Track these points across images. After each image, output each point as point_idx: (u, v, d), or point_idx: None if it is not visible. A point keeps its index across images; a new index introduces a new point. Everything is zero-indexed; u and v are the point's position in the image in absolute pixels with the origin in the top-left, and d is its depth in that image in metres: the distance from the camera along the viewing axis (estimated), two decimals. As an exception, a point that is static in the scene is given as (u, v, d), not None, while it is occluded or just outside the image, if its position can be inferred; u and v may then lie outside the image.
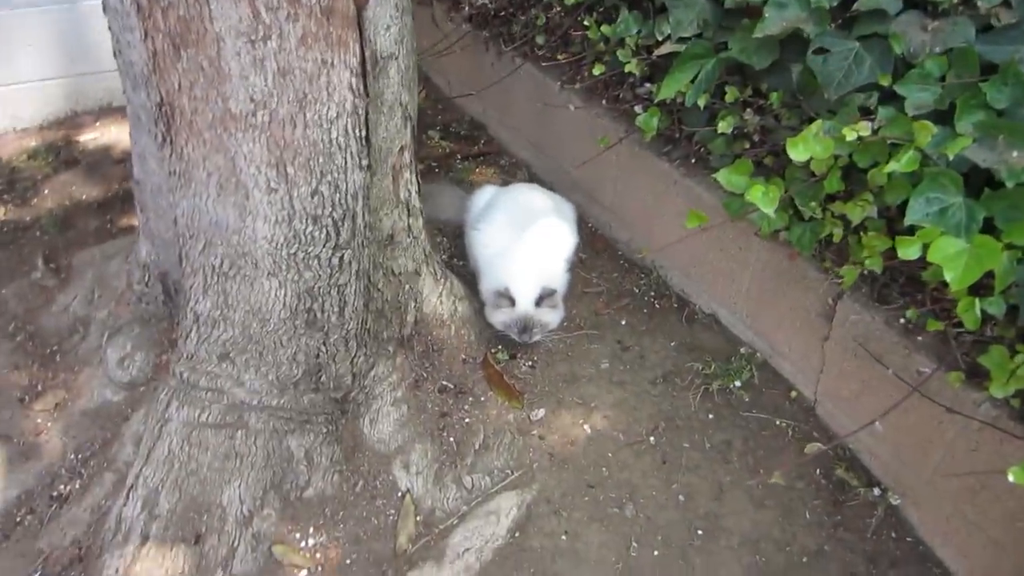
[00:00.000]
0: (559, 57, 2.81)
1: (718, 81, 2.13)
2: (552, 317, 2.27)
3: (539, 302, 2.23)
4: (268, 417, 1.93)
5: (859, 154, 1.73)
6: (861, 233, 1.82)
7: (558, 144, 3.00)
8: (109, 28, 1.86)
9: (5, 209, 2.88)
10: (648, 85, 2.41)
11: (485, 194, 2.62)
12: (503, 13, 3.14)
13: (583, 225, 2.73)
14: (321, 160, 1.74)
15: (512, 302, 2.22)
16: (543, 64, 2.96)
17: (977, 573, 1.90)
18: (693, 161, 2.38)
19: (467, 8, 3.34)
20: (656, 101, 2.30)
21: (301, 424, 1.96)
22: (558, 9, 2.78)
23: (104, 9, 1.83)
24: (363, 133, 1.78)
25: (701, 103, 2.12)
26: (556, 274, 2.33)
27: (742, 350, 2.35)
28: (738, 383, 2.28)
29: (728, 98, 2.10)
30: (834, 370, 2.12)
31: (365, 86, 1.74)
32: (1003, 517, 1.80)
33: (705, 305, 2.50)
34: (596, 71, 2.46)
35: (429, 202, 2.25)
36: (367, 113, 1.78)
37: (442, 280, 2.34)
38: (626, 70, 2.39)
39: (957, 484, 1.87)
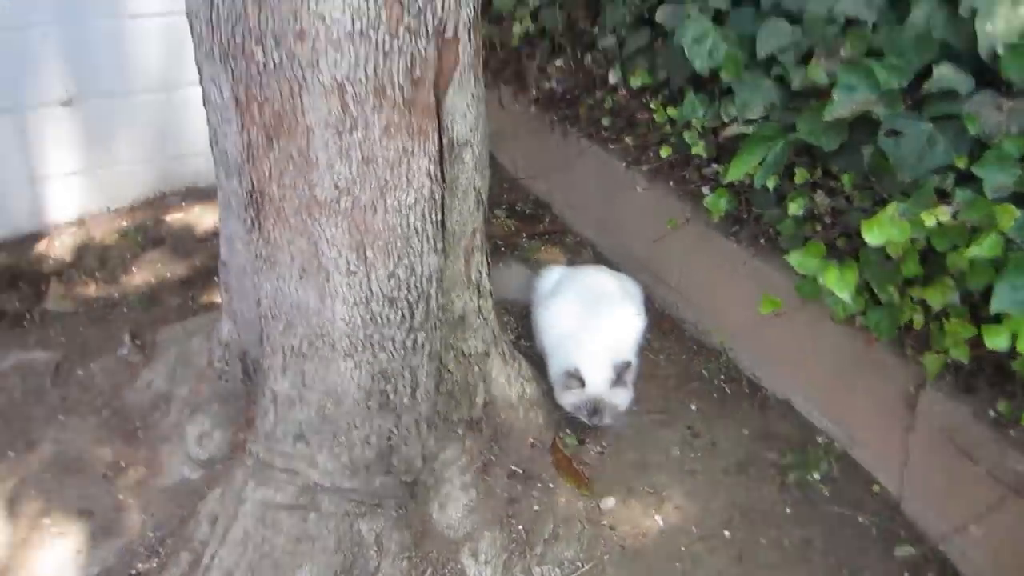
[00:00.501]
0: (625, 139, 2.86)
1: (787, 162, 2.14)
2: (622, 399, 2.23)
3: (615, 379, 2.19)
4: (340, 499, 1.92)
5: (937, 238, 1.70)
6: (943, 320, 1.77)
7: (623, 225, 3.00)
8: (207, 120, 1.96)
9: (96, 286, 2.99)
10: (715, 166, 2.44)
11: (553, 274, 2.62)
12: (569, 96, 3.22)
13: (650, 306, 2.71)
14: (399, 244, 1.77)
15: (582, 383, 2.19)
16: (609, 146, 3.00)
17: None
18: (762, 242, 2.36)
19: (534, 91, 3.43)
20: (724, 182, 2.31)
21: (372, 508, 1.94)
22: (624, 92, 2.85)
23: (204, 102, 1.94)
24: (439, 218, 1.81)
25: (770, 184, 2.13)
26: (626, 355, 2.29)
27: (819, 439, 2.28)
28: (816, 475, 2.19)
29: (797, 179, 2.11)
30: (920, 464, 2.02)
31: (442, 172, 1.78)
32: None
33: (778, 390, 2.43)
34: (663, 153, 2.49)
35: (495, 282, 2.24)
36: (443, 198, 1.81)
37: (511, 361, 2.31)
38: (693, 152, 2.42)
39: (1059, 587, 1.76)
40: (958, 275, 1.72)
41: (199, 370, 2.33)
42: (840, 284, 1.69)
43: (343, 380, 1.87)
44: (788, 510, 2.11)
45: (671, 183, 2.67)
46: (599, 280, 2.56)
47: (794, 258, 1.96)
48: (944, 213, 1.53)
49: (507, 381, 2.27)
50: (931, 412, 1.91)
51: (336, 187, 1.68)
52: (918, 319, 1.82)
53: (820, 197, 2.07)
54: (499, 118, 3.61)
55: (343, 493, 1.93)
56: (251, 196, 1.78)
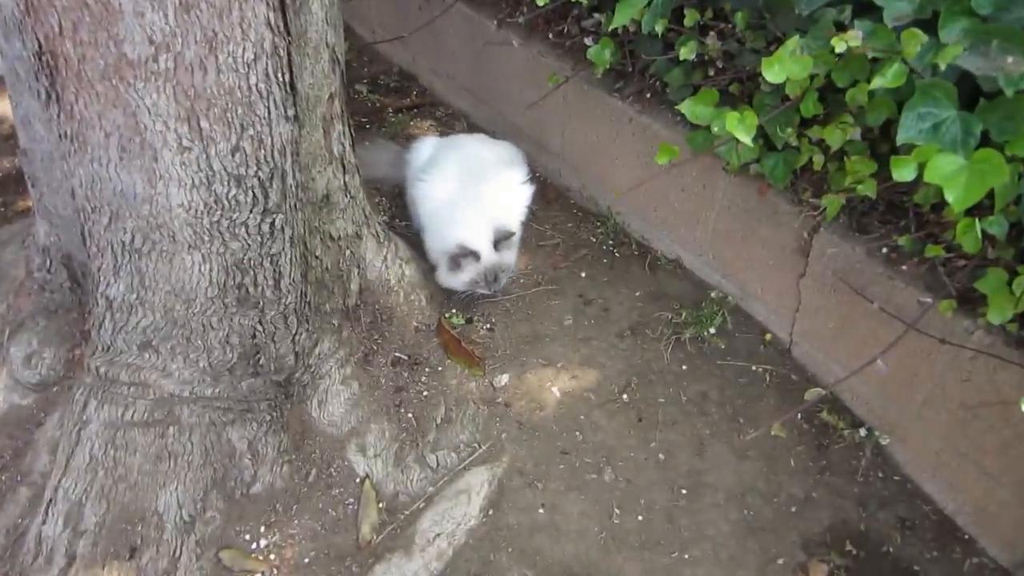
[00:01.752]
0: None
1: (675, 5, 2.01)
2: (512, 258, 2.23)
3: (497, 245, 2.15)
4: (203, 409, 1.80)
5: (838, 72, 1.60)
6: (844, 159, 1.70)
7: (499, 90, 2.87)
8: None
9: None
10: (596, 16, 2.29)
11: (426, 146, 2.47)
12: None
13: (532, 176, 2.61)
14: (240, 111, 1.58)
15: (476, 256, 2.13)
16: (477, 1, 2.82)
17: (968, 506, 1.85)
18: (648, 97, 2.30)
19: None
20: (607, 31, 2.17)
21: (241, 414, 1.84)
22: None
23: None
24: (287, 78, 1.63)
25: (659, 29, 2.00)
26: (513, 225, 2.26)
27: (712, 295, 2.30)
28: (711, 330, 2.22)
29: (687, 22, 1.98)
30: (811, 309, 2.05)
31: (286, 23, 1.59)
32: (996, 447, 1.74)
33: (668, 250, 2.45)
34: (540, 1, 2.29)
35: (362, 161, 2.15)
36: (290, 55, 1.62)
37: (386, 243, 2.23)
38: (572, 0, 2.25)
39: (947, 417, 1.81)
40: (857, 112, 1.63)
41: (17, 283, 2.07)
42: (742, 128, 1.59)
43: (191, 276, 1.73)
44: (684, 367, 2.15)
45: (550, 37, 2.56)
46: (478, 149, 2.45)
47: (687, 107, 1.88)
48: (854, 38, 1.41)
49: (383, 264, 2.21)
50: (824, 256, 1.92)
51: (151, 42, 1.45)
52: (818, 160, 1.75)
53: (711, 40, 1.96)
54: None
55: (205, 402, 1.81)
56: (40, 60, 1.50)
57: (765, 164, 1.92)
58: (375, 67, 3.59)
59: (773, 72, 1.57)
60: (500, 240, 2.17)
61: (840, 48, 1.45)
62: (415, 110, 3.18)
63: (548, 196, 2.73)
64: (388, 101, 3.29)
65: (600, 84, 2.40)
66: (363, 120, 3.13)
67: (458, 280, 2.19)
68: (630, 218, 2.54)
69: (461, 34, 2.96)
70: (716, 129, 1.83)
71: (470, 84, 3.05)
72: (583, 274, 2.43)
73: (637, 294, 2.35)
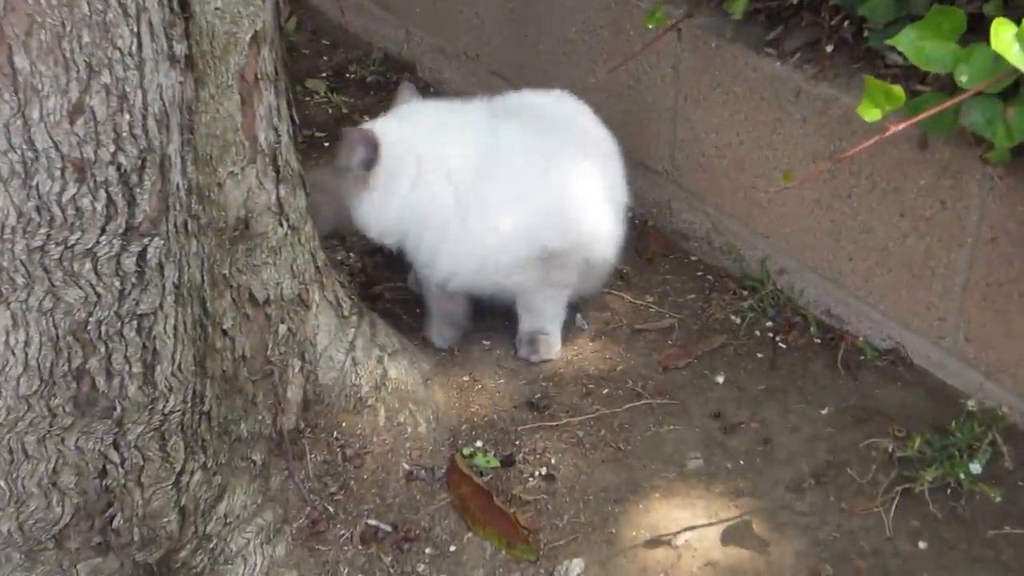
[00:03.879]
0: None
1: None
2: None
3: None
4: None
5: None
6: None
7: (554, 68, 2.98)
8: None
9: None
10: None
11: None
12: None
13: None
14: (87, 40, 1.55)
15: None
16: None
17: None
18: (830, 50, 2.32)
19: None
20: None
21: None
22: None
23: None
24: None
25: None
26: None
27: (969, 406, 2.28)
28: (972, 471, 2.18)
29: None
30: None
31: None
32: None
33: (878, 332, 2.47)
34: None
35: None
36: None
37: (353, 318, 2.29)
38: None
39: None
40: None
41: None
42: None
43: None
44: (922, 544, 2.12)
45: None
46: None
47: (906, 40, 1.84)
48: None
49: (347, 357, 2.27)
50: None
51: None
52: None
53: None
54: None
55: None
56: None
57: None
58: (342, 53, 3.78)
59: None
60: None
61: None
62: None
63: (650, 248, 2.81)
64: (360, 103, 3.46)
65: (739, 35, 2.47)
66: (318, 134, 3.30)
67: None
68: (803, 279, 2.58)
69: None
70: (964, 78, 1.78)
71: (504, 64, 3.16)
72: (719, 379, 2.48)
73: (823, 412, 2.38)
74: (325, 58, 3.72)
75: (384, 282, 2.65)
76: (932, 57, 1.84)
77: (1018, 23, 1.85)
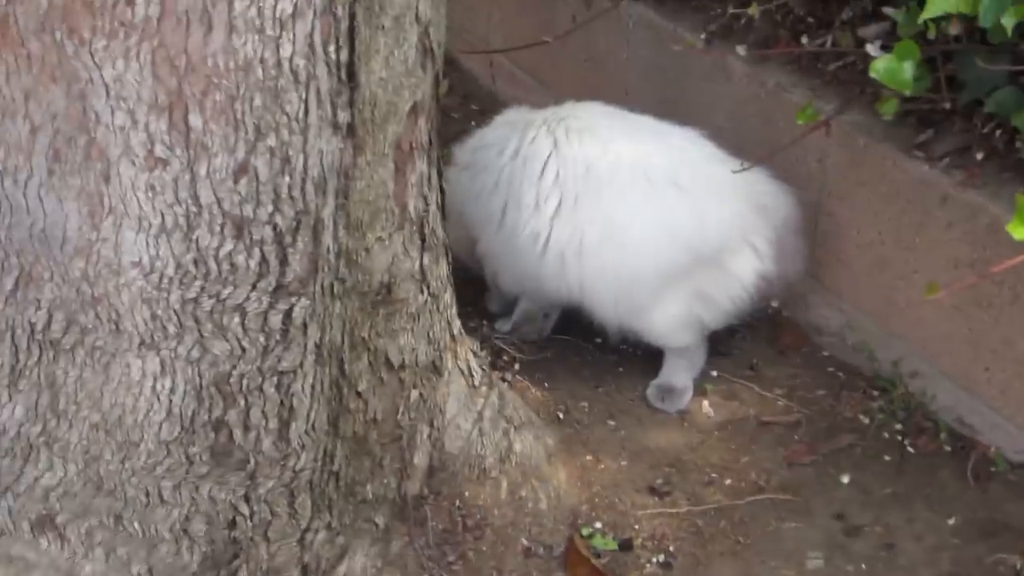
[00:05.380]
0: None
1: None
2: None
3: None
4: None
5: None
6: None
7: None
8: None
9: None
10: (889, 12, 2.32)
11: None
12: None
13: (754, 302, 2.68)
14: (258, 103, 1.60)
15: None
16: (669, 3, 3.03)
17: None
18: (981, 156, 2.31)
19: None
20: (910, 31, 2.20)
21: None
22: None
23: None
24: (343, 56, 1.68)
25: (1008, 24, 1.99)
26: None
27: None
28: None
29: None
30: None
31: None
32: None
33: (1013, 444, 2.40)
34: None
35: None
36: (353, 19, 1.69)
37: (484, 388, 2.30)
38: None
39: None
40: None
41: None
42: None
43: (137, 399, 1.75)
44: None
45: (798, 60, 2.71)
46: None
47: None
48: None
49: (475, 427, 2.27)
50: None
51: None
52: None
53: None
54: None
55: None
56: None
57: None
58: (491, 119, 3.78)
59: None
60: None
61: None
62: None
63: (783, 340, 2.79)
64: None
65: (888, 136, 2.47)
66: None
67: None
68: (936, 385, 2.53)
69: (631, 53, 3.13)
70: None
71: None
72: (844, 479, 2.44)
73: (951, 522, 2.32)
74: (473, 123, 3.62)
75: (514, 350, 2.66)
76: None
77: None
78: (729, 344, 2.73)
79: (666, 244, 2.41)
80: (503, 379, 2.51)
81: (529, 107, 2.72)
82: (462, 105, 3.86)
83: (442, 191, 2.15)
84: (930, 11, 2.03)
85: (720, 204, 2.44)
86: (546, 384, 2.59)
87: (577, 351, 2.71)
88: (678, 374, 2.57)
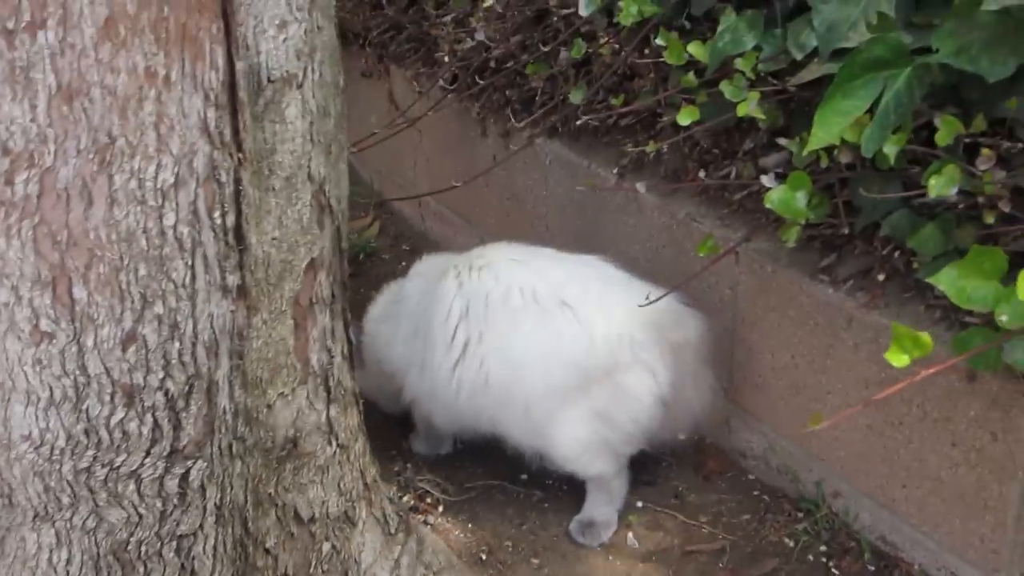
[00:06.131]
0: (613, 119, 2.92)
1: (916, 109, 2.06)
2: None
3: None
4: None
5: None
6: None
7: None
8: None
9: None
10: (785, 143, 2.35)
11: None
12: (510, 64, 3.23)
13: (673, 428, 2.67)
14: (143, 273, 1.64)
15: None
16: (583, 140, 3.07)
17: None
18: (882, 279, 2.33)
19: (447, 64, 3.48)
20: (801, 158, 2.25)
21: None
22: (607, 37, 2.84)
23: None
24: (230, 222, 1.72)
25: (891, 152, 2.04)
26: None
27: None
28: None
29: (941, 139, 2.00)
30: None
31: (236, 130, 1.71)
32: None
33: (933, 563, 2.39)
34: (683, 119, 2.43)
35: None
36: (238, 184, 1.73)
37: (400, 535, 2.28)
38: (740, 113, 2.35)
39: None
40: None
41: None
42: None
43: (33, 571, 1.76)
44: None
45: (706, 192, 2.74)
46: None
47: (947, 279, 1.84)
48: None
49: (392, 573, 2.26)
50: None
51: (4, 150, 1.53)
52: None
53: (985, 164, 1.95)
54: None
55: None
56: None
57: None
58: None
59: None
60: None
61: None
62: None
63: (708, 466, 2.80)
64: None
65: (794, 261, 2.49)
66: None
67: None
68: (857, 504, 2.52)
69: (549, 190, 3.17)
70: (1005, 318, 1.78)
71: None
72: None
73: None
74: (403, 263, 3.71)
75: (438, 491, 2.66)
76: (973, 296, 1.83)
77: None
78: (654, 473, 2.73)
79: (555, 362, 2.43)
80: (425, 522, 2.50)
81: (448, 253, 2.82)
82: (393, 246, 3.93)
83: (350, 342, 2.15)
84: (814, 143, 2.07)
85: (608, 321, 2.45)
86: (470, 525, 2.58)
87: (502, 490, 2.70)
88: (599, 507, 2.55)
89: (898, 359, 1.71)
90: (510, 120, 3.25)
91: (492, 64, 3.29)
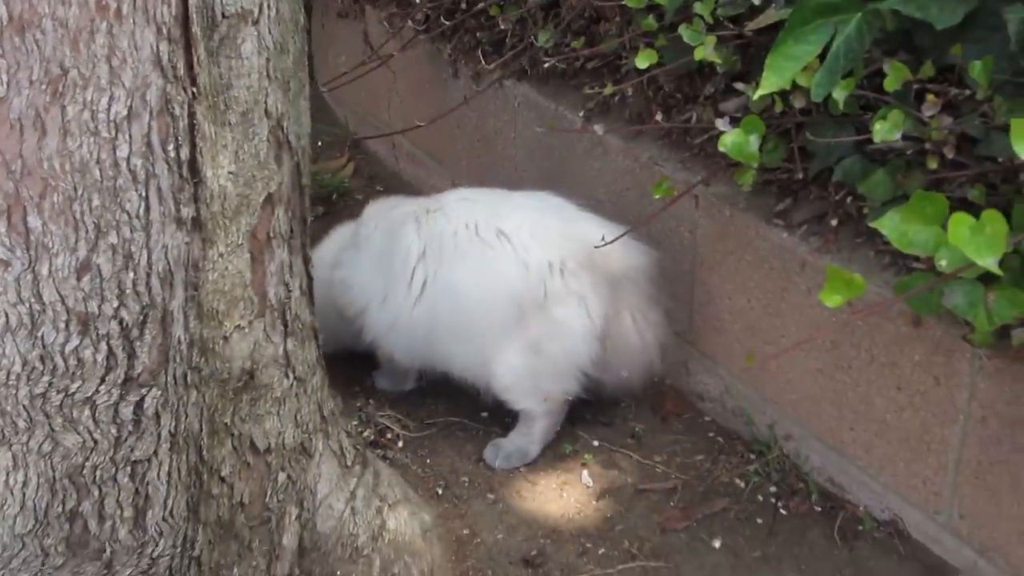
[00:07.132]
0: (580, 62, 2.95)
1: (868, 55, 2.07)
2: None
3: None
4: None
5: None
6: None
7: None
8: None
9: None
10: (743, 88, 2.35)
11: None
12: (480, 5, 3.23)
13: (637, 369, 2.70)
14: (97, 203, 1.64)
15: None
16: (551, 84, 3.08)
17: None
18: (835, 223, 2.35)
19: (419, 4, 3.50)
20: (753, 102, 2.26)
21: None
22: None
23: None
24: (184, 154, 1.71)
25: (840, 98, 2.03)
26: None
27: None
28: None
29: (889, 85, 2.01)
30: None
31: (189, 65, 1.69)
32: None
33: (877, 504, 2.43)
34: (641, 62, 2.43)
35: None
36: (192, 118, 1.72)
37: (356, 468, 2.25)
38: (697, 57, 2.34)
39: None
40: None
41: None
42: (980, 244, 1.60)
43: None
44: None
45: (670, 135, 2.77)
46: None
47: (889, 223, 1.83)
48: None
49: (347, 506, 2.22)
50: None
51: None
52: None
53: (931, 110, 1.96)
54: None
55: None
56: None
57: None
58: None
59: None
60: None
61: None
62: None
63: (665, 407, 2.81)
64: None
65: (751, 204, 2.51)
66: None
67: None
68: (808, 446, 2.55)
69: (518, 132, 3.18)
70: (944, 262, 1.78)
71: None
72: (716, 543, 2.43)
73: None
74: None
75: (399, 427, 2.66)
76: (914, 241, 1.83)
77: (1003, 209, 1.88)
78: (612, 414, 2.75)
79: (493, 292, 2.50)
80: (384, 456, 2.51)
81: (397, 196, 2.91)
82: (367, 187, 3.92)
83: (309, 277, 2.14)
84: (765, 87, 2.05)
85: (544, 247, 2.49)
86: (428, 460, 2.60)
87: (462, 427, 2.73)
88: (516, 439, 2.63)
89: (831, 299, 1.73)
90: (480, 62, 3.25)
91: (463, 5, 3.29)
